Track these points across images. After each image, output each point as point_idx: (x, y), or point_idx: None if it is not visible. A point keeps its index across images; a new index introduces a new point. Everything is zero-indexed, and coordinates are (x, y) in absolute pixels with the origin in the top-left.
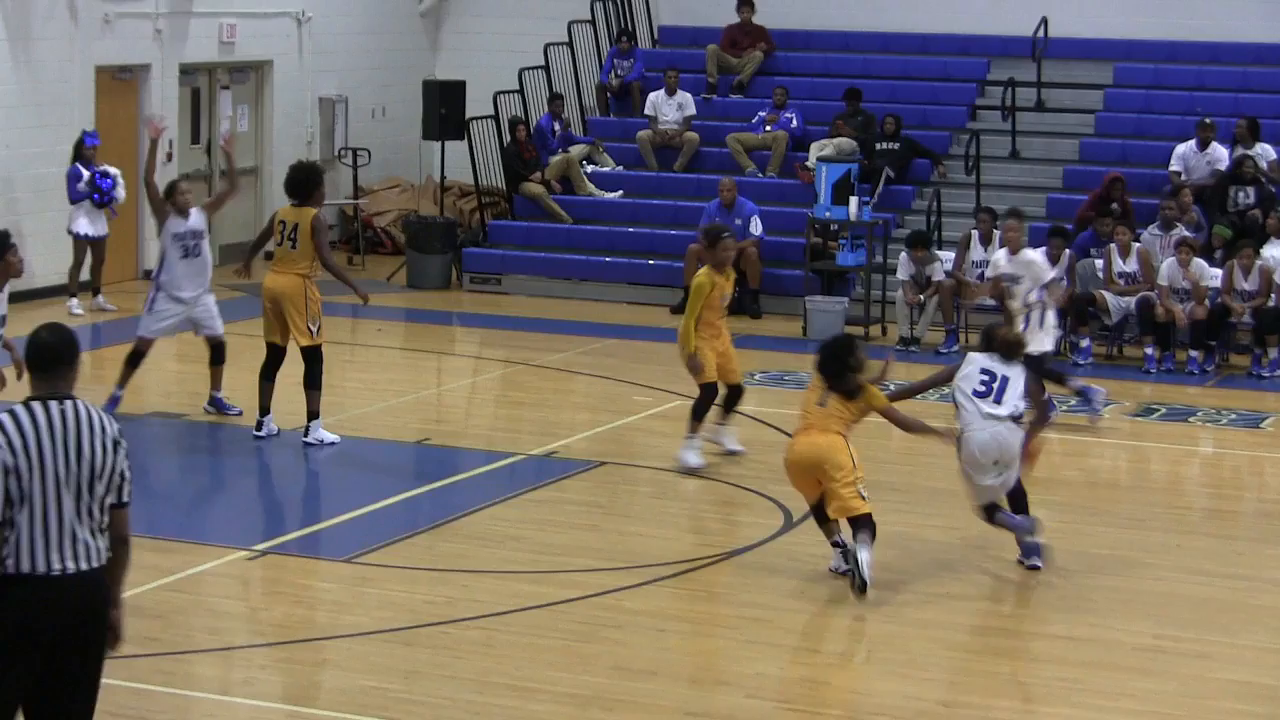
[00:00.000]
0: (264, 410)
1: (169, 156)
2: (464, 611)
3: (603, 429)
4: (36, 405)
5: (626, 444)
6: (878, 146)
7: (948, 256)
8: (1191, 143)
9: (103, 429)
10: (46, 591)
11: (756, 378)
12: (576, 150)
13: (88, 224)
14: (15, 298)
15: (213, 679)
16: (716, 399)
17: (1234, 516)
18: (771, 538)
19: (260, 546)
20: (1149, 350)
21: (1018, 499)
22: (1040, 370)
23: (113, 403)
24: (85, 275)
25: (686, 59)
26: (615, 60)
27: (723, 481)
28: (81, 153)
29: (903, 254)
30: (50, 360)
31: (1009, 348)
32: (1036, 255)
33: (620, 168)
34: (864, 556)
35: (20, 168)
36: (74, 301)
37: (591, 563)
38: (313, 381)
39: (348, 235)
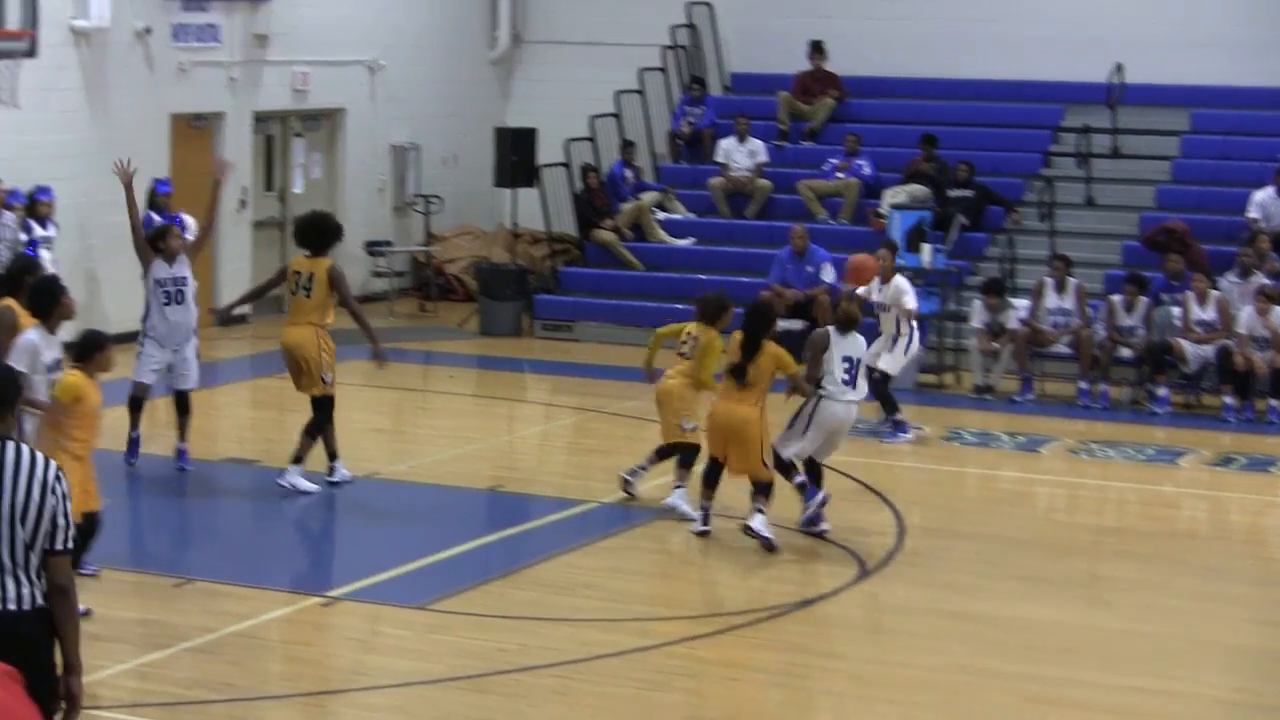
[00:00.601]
0: (331, 455)
1: (242, 204)
2: (537, 659)
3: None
4: None
5: (699, 491)
6: (951, 194)
7: (1022, 304)
8: (1270, 189)
9: (30, 472)
10: None
11: None
12: (648, 197)
13: None
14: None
15: None
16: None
17: None
18: (845, 586)
19: (334, 593)
20: (1228, 399)
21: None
22: (879, 389)
23: (134, 447)
24: None
25: (758, 106)
26: (686, 107)
27: (795, 530)
28: (154, 200)
29: (976, 301)
30: None
31: (841, 322)
32: (905, 283)
33: (692, 215)
34: (757, 522)
35: (96, 215)
36: None
37: (664, 611)
38: (312, 430)
39: (419, 282)
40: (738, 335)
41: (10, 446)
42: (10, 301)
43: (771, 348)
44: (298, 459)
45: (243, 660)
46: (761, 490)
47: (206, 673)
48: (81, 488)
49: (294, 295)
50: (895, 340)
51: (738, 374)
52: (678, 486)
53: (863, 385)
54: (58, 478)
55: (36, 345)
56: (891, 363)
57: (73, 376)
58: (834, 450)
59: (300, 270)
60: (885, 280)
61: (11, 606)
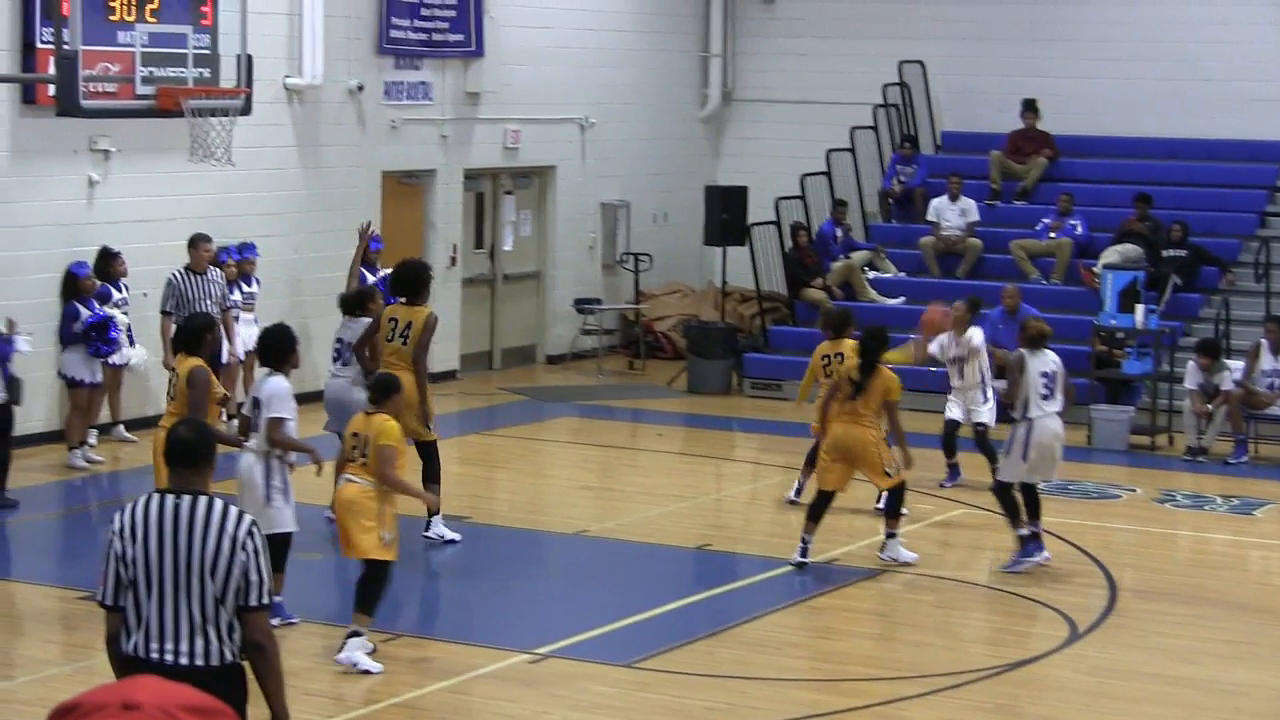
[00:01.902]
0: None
1: (453, 261)
2: (743, 719)
3: (884, 536)
4: (157, 497)
5: (912, 550)
6: (1164, 253)
7: (1236, 365)
8: None
9: (222, 528)
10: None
11: (1041, 487)
12: (858, 256)
13: None
14: (304, 399)
15: None
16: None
17: None
18: (1056, 648)
19: (541, 650)
20: None
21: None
22: (981, 441)
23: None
24: None
25: (970, 165)
26: (898, 166)
27: (1006, 591)
28: (365, 256)
29: (1190, 363)
30: (184, 456)
31: (1034, 340)
32: (977, 335)
33: (902, 274)
34: (890, 550)
35: (307, 270)
36: None
37: (872, 671)
38: (432, 478)
39: (628, 340)
40: (854, 358)
41: (202, 501)
42: (199, 361)
43: (885, 371)
44: (434, 510)
45: (448, 717)
46: (892, 505)
47: None
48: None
49: (390, 342)
50: (983, 390)
51: (855, 393)
52: (890, 535)
53: (1059, 396)
54: (250, 534)
55: (290, 390)
56: (989, 414)
57: (391, 421)
58: (1054, 470)
59: (398, 318)
60: (960, 333)
61: (199, 662)
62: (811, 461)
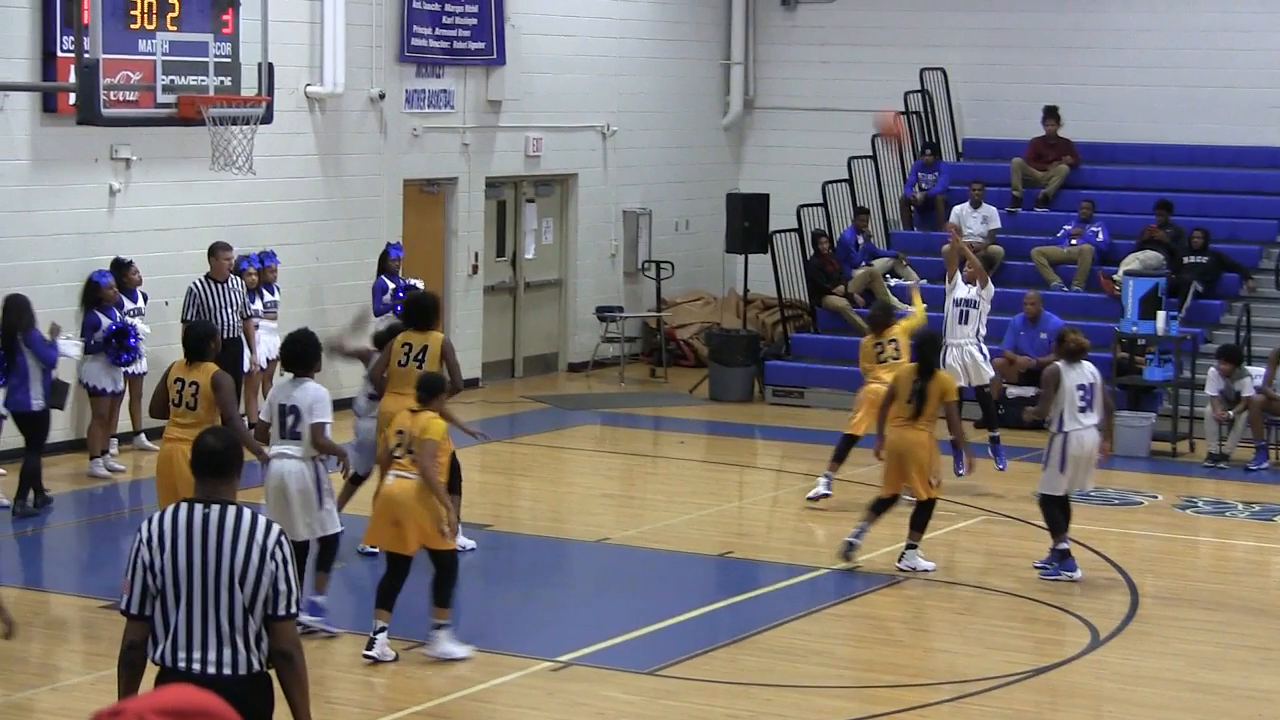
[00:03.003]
0: None
1: (474, 269)
2: None
3: (904, 546)
4: (184, 506)
5: (930, 558)
6: (1185, 260)
7: (1258, 372)
8: None
9: (251, 537)
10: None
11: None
12: (880, 263)
13: None
14: None
15: None
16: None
17: None
18: (1078, 655)
19: (564, 658)
20: None
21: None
22: (986, 401)
23: None
24: None
25: (991, 172)
26: (919, 173)
27: (1028, 598)
28: (386, 265)
29: (1211, 369)
30: (211, 465)
31: (1072, 353)
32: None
33: (924, 281)
34: (909, 560)
35: (329, 279)
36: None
37: (896, 678)
38: (454, 488)
39: (650, 348)
40: (910, 364)
41: (231, 511)
42: (214, 366)
43: (941, 374)
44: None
45: None
46: (919, 518)
47: None
48: (451, 527)
49: (403, 367)
50: (979, 344)
51: (916, 400)
52: (911, 546)
53: (1097, 407)
54: (279, 543)
55: (329, 395)
56: (989, 368)
57: (437, 419)
58: (1090, 480)
59: (411, 343)
60: (981, 284)
61: (227, 671)
62: (840, 456)
